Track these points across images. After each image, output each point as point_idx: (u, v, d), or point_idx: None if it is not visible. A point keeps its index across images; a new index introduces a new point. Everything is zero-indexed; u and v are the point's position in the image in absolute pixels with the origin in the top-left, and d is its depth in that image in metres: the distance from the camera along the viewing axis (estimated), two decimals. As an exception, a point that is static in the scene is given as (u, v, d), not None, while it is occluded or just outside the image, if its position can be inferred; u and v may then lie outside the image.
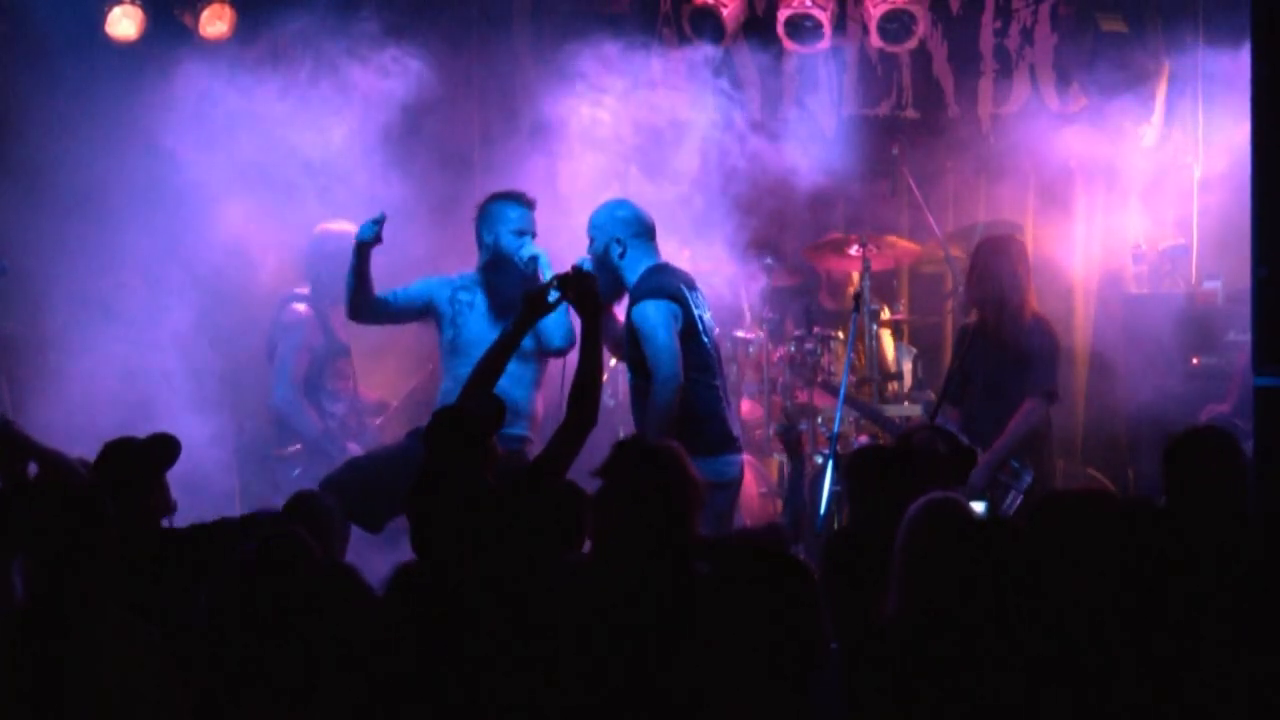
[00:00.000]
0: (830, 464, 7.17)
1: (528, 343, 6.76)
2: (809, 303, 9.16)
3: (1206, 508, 4.81)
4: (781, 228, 10.04)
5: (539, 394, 7.42)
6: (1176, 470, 4.98)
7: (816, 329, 8.70)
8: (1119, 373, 9.47)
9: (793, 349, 8.66)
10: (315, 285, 8.18)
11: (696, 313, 6.99)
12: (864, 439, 8.33)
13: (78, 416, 8.22)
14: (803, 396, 8.57)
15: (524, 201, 7.28)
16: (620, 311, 7.16)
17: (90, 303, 8.69)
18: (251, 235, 8.78)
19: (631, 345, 6.94)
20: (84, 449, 7.80)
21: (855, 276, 9.38)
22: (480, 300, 7.35)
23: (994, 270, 7.64)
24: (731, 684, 4.07)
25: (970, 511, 4.54)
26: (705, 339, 6.99)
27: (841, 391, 7.47)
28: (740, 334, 8.84)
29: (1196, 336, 8.90)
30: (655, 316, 6.79)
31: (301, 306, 8.15)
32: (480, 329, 7.17)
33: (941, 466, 5.50)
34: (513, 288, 7.12)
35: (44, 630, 4.30)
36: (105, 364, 8.51)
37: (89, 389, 8.37)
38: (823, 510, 7.02)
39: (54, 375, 8.54)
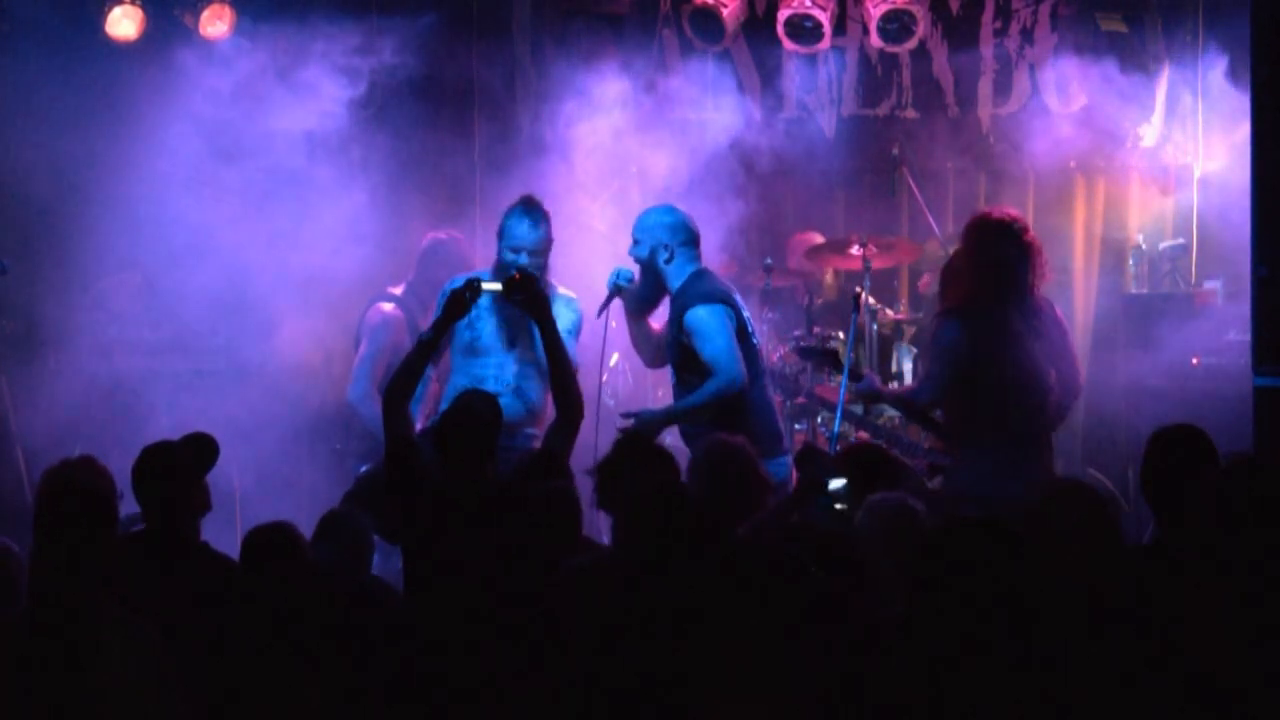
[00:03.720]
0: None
1: (541, 352, 6.70)
2: (809, 302, 9.15)
3: (1181, 505, 4.80)
4: (781, 228, 10.05)
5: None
6: (1149, 469, 4.98)
7: (817, 329, 8.70)
8: (1119, 373, 9.48)
9: (792, 349, 8.66)
10: (410, 286, 8.12)
11: (745, 315, 7.03)
12: (863, 436, 8.30)
13: (77, 416, 8.23)
14: (803, 397, 8.55)
15: (525, 214, 7.14)
16: (654, 318, 7.18)
17: (89, 303, 8.69)
18: (250, 236, 8.78)
19: (680, 349, 6.94)
20: (83, 449, 7.83)
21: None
22: (492, 304, 7.27)
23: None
24: (741, 681, 4.08)
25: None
26: (755, 340, 7.04)
27: (841, 391, 7.47)
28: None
29: (1196, 336, 8.90)
30: (713, 320, 6.79)
31: (389, 306, 8.06)
32: (494, 332, 7.08)
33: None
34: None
35: (50, 632, 4.30)
36: (104, 364, 8.51)
37: (88, 388, 8.37)
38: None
39: (53, 375, 8.54)
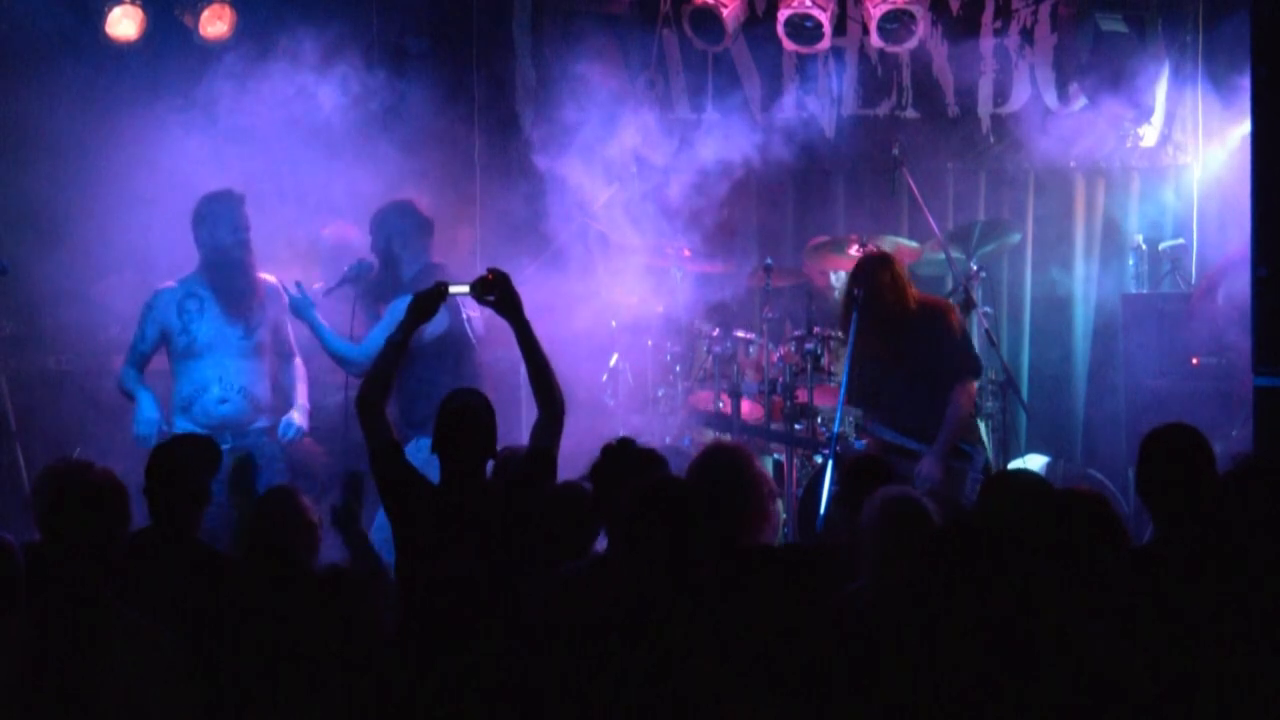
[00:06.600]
0: (830, 464, 7.18)
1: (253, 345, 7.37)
2: (809, 302, 9.14)
3: (1175, 503, 4.79)
4: (781, 228, 10.04)
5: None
6: (1146, 468, 4.97)
7: (816, 329, 8.69)
8: (1118, 373, 9.48)
9: (793, 349, 8.65)
10: None
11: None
12: (865, 440, 8.30)
13: (77, 416, 8.23)
14: (803, 396, 8.55)
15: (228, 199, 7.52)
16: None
17: (90, 303, 8.68)
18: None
19: None
20: (83, 449, 7.83)
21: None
22: (204, 306, 7.53)
23: (862, 284, 7.60)
24: (732, 687, 4.08)
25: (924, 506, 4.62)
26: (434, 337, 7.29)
27: (842, 391, 7.47)
28: (740, 334, 8.83)
29: (1196, 337, 8.91)
30: (396, 312, 6.79)
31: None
32: (212, 333, 7.43)
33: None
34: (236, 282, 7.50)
35: (57, 630, 4.30)
36: (104, 364, 8.50)
37: (88, 389, 8.37)
38: (823, 510, 7.02)
39: (53, 375, 8.54)
